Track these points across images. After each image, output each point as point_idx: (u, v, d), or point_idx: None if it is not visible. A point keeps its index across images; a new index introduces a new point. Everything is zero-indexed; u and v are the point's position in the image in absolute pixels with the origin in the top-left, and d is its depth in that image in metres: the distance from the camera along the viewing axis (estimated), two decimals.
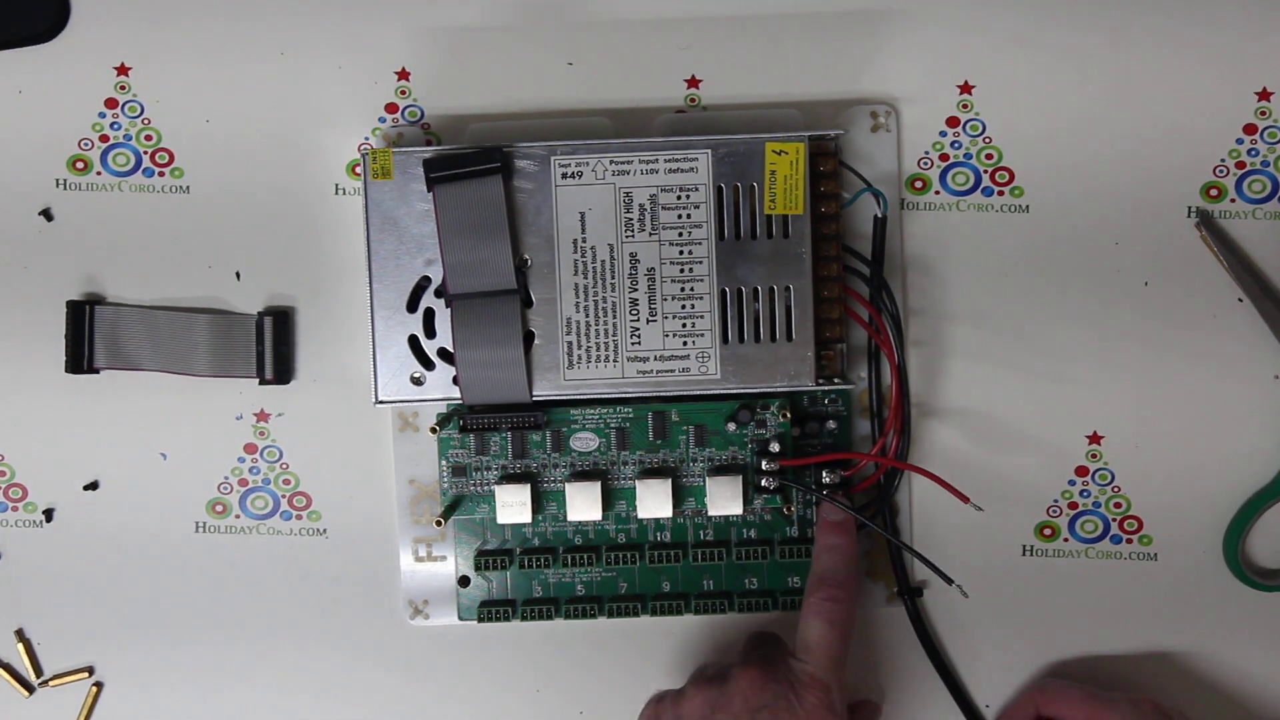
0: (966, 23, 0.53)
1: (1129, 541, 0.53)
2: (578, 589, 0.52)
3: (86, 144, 0.53)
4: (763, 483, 0.51)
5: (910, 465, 0.52)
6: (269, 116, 0.53)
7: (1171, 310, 0.53)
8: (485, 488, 0.52)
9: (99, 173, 0.53)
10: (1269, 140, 0.52)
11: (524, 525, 0.52)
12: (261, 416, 0.53)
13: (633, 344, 0.49)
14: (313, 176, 0.53)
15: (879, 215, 0.51)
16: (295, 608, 0.54)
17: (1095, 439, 0.53)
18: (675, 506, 0.51)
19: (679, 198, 0.49)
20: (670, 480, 0.50)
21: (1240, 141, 0.52)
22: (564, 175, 0.49)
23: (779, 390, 0.50)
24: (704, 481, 0.51)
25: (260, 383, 0.53)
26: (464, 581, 0.52)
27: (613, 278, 0.49)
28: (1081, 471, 0.53)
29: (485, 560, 0.51)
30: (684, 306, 0.49)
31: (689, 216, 0.49)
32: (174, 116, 0.53)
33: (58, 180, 0.53)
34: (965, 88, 0.53)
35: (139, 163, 0.53)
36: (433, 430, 0.51)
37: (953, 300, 0.53)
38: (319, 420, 0.53)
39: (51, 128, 0.53)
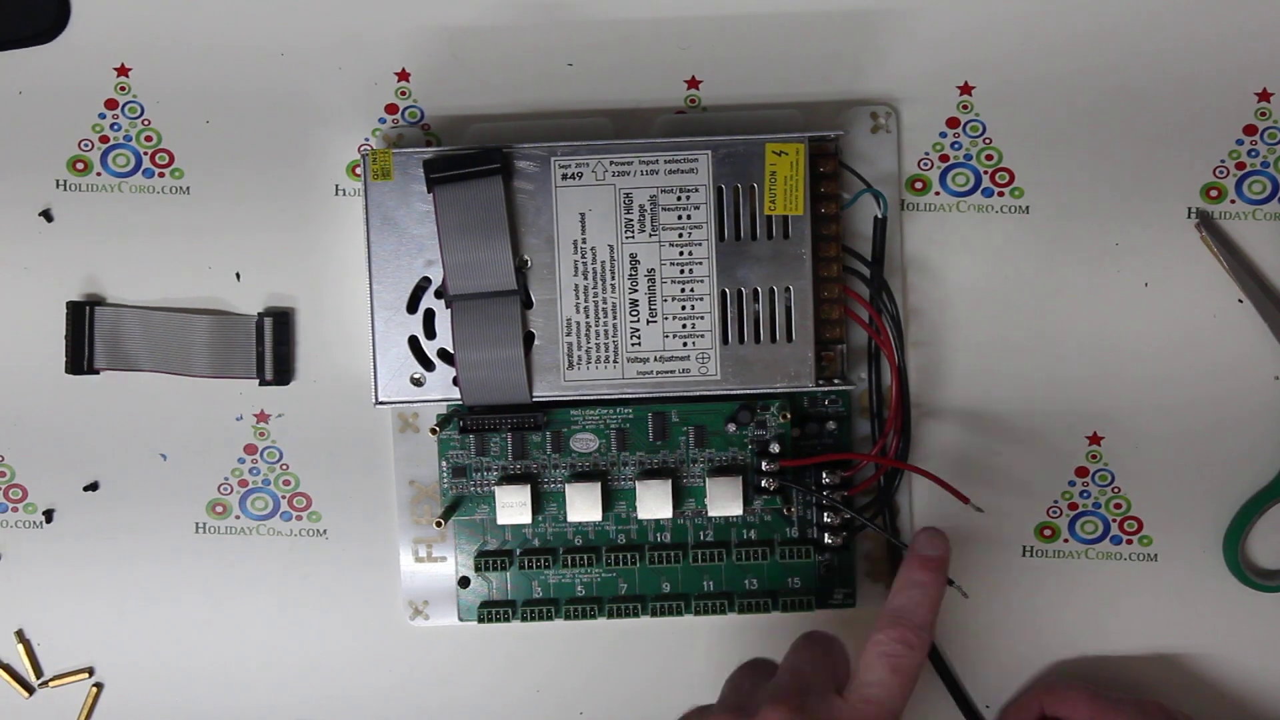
0: (966, 23, 0.53)
1: (1129, 542, 0.53)
2: (578, 590, 0.52)
3: (86, 145, 0.53)
4: (763, 484, 0.51)
5: (910, 465, 0.52)
6: (269, 116, 0.53)
7: (1171, 310, 0.53)
8: (485, 488, 0.52)
9: (99, 173, 0.53)
10: (1269, 141, 0.52)
11: (524, 526, 0.52)
12: (261, 417, 0.53)
13: (633, 345, 0.49)
14: (313, 177, 0.53)
15: (879, 216, 0.51)
16: (295, 608, 0.54)
17: (1095, 439, 0.53)
18: (675, 507, 0.51)
19: (679, 198, 0.49)
20: (670, 481, 0.50)
21: (1240, 142, 0.52)
22: (564, 176, 0.49)
23: (779, 391, 0.50)
24: (704, 482, 0.51)
25: (260, 383, 0.53)
26: (464, 582, 0.52)
27: (613, 278, 0.49)
28: (1081, 472, 0.53)
29: (485, 561, 0.51)
30: (684, 307, 0.49)
31: (689, 217, 0.49)
32: (174, 116, 0.53)
33: (58, 180, 0.53)
34: (965, 88, 0.53)
35: (139, 163, 0.53)
36: (433, 431, 0.51)
37: (953, 300, 0.53)
38: (319, 420, 0.53)
39: (51, 128, 0.53)
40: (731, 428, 0.51)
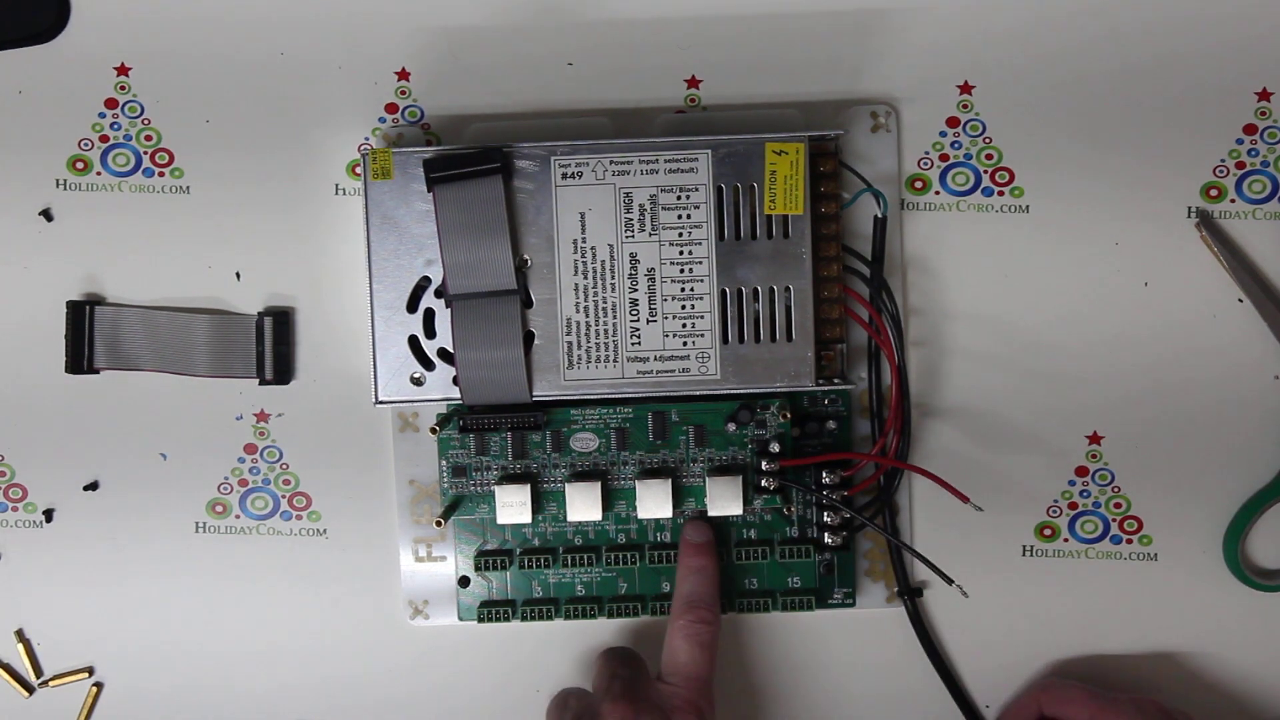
0: (966, 23, 0.53)
1: (1129, 541, 0.53)
2: (578, 589, 0.52)
3: (86, 144, 0.53)
4: (762, 483, 0.51)
5: (910, 465, 0.52)
6: (269, 116, 0.53)
7: (1171, 310, 0.53)
8: (485, 488, 0.52)
9: (99, 173, 0.53)
10: (1269, 140, 0.52)
11: (524, 525, 0.52)
12: (261, 417, 0.53)
13: (633, 344, 0.49)
14: (313, 176, 0.53)
15: (879, 215, 0.51)
16: (295, 608, 0.54)
17: (1095, 439, 0.53)
18: (675, 507, 0.51)
19: (679, 198, 0.49)
20: (670, 481, 0.50)
21: (1240, 141, 0.52)
22: (564, 175, 0.49)
23: (779, 390, 0.50)
24: (704, 482, 0.51)
25: (260, 383, 0.53)
26: (464, 582, 0.52)
27: (613, 278, 0.49)
28: (1081, 471, 0.53)
29: (485, 560, 0.51)
30: (684, 307, 0.49)
31: (689, 216, 0.49)
32: (174, 116, 0.53)
33: (58, 180, 0.53)
34: (965, 88, 0.53)
35: (139, 163, 0.53)
36: (433, 430, 0.51)
37: (953, 300, 0.53)
38: (319, 420, 0.53)
39: (51, 128, 0.53)
40: (731, 427, 0.51)
